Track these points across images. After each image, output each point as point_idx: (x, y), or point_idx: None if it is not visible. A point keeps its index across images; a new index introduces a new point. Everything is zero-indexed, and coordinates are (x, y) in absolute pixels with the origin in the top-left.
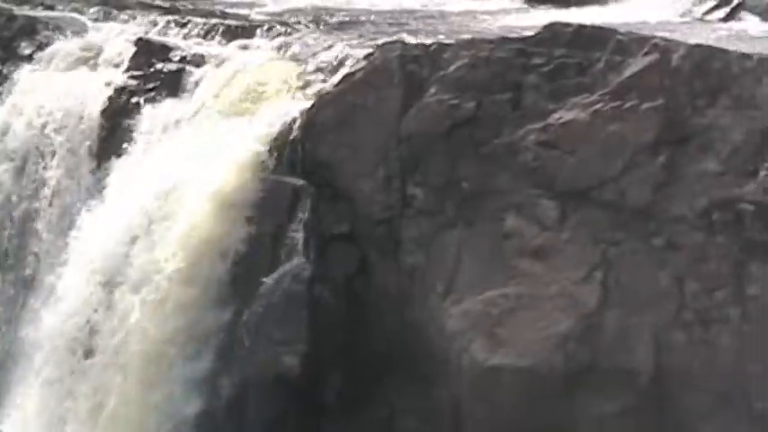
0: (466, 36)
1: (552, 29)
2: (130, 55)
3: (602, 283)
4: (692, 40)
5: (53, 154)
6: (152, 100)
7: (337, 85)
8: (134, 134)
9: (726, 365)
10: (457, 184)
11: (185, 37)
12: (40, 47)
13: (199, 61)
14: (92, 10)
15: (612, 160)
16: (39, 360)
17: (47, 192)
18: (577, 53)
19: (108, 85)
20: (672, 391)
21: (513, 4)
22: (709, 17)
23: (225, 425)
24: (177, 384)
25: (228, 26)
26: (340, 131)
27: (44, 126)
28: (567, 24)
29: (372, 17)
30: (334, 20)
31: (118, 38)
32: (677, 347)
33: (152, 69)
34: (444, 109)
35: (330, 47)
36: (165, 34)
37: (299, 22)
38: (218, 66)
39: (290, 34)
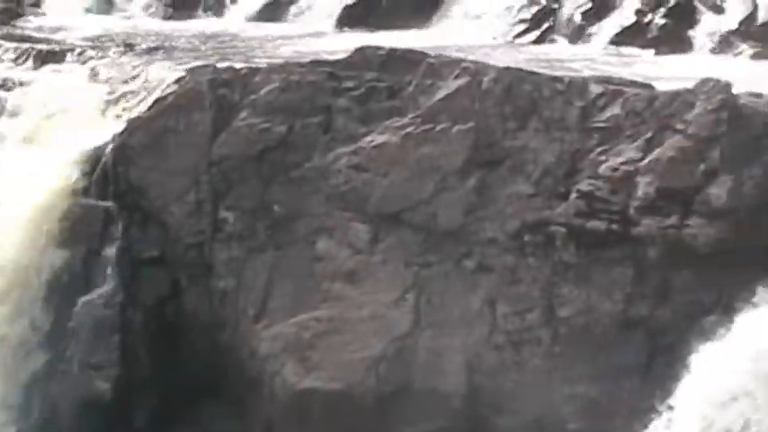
0: (277, 60)
1: (363, 52)
2: None
3: (415, 305)
4: (503, 64)
5: None
6: None
7: (149, 108)
8: None
9: (538, 387)
10: (268, 207)
11: None
12: None
13: (9, 86)
14: None
15: (424, 183)
16: None
17: None
18: (388, 77)
19: None
20: (484, 414)
21: (326, 28)
22: (520, 40)
23: None
24: None
25: (40, 50)
26: (151, 155)
27: None
28: (378, 48)
29: (186, 41)
30: (148, 44)
31: None
32: (489, 369)
33: None
34: (255, 133)
35: (142, 71)
36: None
37: (112, 46)
38: (28, 90)
39: (102, 58)
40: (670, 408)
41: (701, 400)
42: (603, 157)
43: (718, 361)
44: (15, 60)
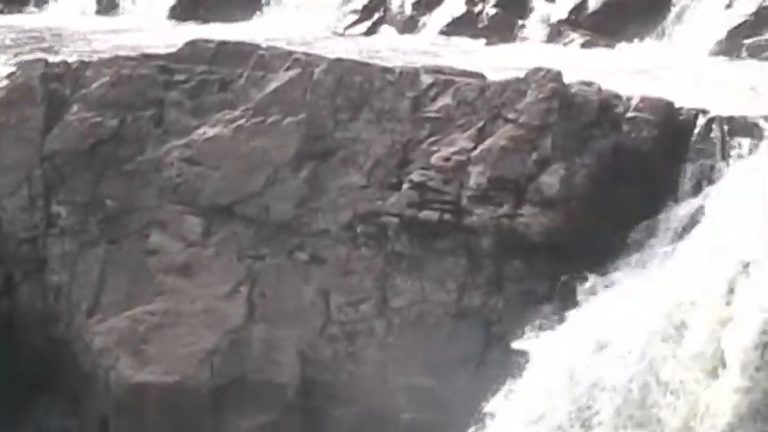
0: (108, 54)
1: (193, 45)
2: None
3: (248, 298)
4: (335, 55)
5: None
6: None
7: None
8: None
9: (372, 378)
10: (101, 201)
11: None
12: None
13: None
14: None
15: (255, 175)
16: None
17: None
18: (219, 69)
19: None
20: (319, 405)
21: (157, 21)
22: (352, 31)
23: None
24: None
25: None
26: None
27: None
28: (209, 41)
29: (16, 36)
30: None
31: None
32: (323, 361)
33: None
34: (87, 127)
35: None
36: None
37: None
38: None
39: None
40: (505, 398)
41: (534, 390)
42: (435, 148)
43: (551, 350)
44: None
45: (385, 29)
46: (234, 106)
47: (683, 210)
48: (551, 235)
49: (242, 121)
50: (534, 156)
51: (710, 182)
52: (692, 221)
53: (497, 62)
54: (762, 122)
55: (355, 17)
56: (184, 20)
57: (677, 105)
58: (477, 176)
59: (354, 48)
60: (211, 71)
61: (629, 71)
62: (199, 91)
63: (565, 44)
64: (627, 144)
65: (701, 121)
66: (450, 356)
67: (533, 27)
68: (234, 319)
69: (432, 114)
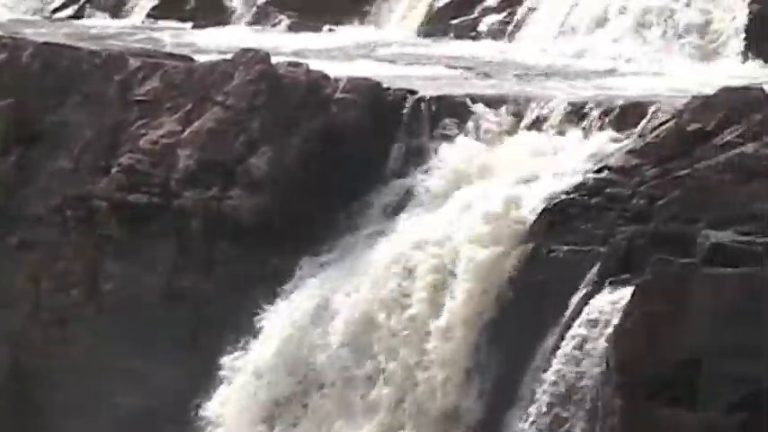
0: None
1: None
2: None
3: None
4: (43, 39)
5: None
6: None
7: None
8: None
9: (83, 362)
10: None
11: None
12: None
13: None
14: None
15: None
16: None
17: None
18: None
19: None
20: (31, 390)
21: None
22: (59, 15)
23: None
24: None
25: None
26: None
27: None
28: None
29: None
30: None
31: None
32: (34, 346)
33: None
34: None
35: None
36: None
37: None
38: None
39: None
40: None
41: (251, 372)
42: (144, 131)
43: (264, 331)
44: None
45: (93, 12)
46: None
47: (391, 190)
48: (261, 217)
49: None
50: (242, 138)
51: (419, 162)
52: (401, 202)
53: (205, 44)
54: (468, 102)
55: (61, 1)
56: None
57: (385, 86)
58: (185, 159)
59: (63, 32)
60: None
61: (336, 53)
62: None
63: (272, 25)
64: (335, 125)
65: (410, 101)
66: (161, 339)
67: (241, 9)
68: None
69: (140, 98)
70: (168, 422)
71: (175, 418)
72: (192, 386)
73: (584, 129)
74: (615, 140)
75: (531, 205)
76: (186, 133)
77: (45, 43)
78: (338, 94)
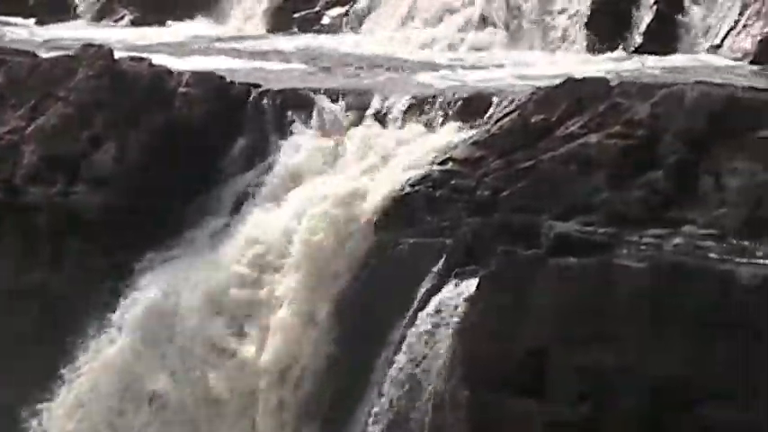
0: None
1: None
2: None
3: None
4: None
5: None
6: None
7: None
8: None
9: None
10: None
11: None
12: None
13: None
14: None
15: None
16: None
17: None
18: None
19: None
20: None
21: None
22: None
23: None
24: None
25: None
26: None
27: None
28: None
29: None
30: None
31: None
32: None
33: None
34: None
35: None
36: None
37: None
38: None
39: None
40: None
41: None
42: None
43: (110, 325)
44: None
45: None
46: None
47: (236, 184)
48: (106, 212)
49: None
50: (86, 133)
51: (263, 156)
52: (245, 196)
53: (49, 40)
54: (311, 95)
55: None
56: None
57: (228, 80)
58: (29, 155)
59: None
60: None
61: (180, 47)
62: None
63: (116, 21)
64: (179, 120)
65: (253, 95)
66: (8, 335)
67: (84, 5)
68: None
69: None
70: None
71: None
72: (38, 382)
73: (428, 120)
74: (460, 132)
75: (376, 198)
76: (30, 129)
77: None
78: (181, 89)
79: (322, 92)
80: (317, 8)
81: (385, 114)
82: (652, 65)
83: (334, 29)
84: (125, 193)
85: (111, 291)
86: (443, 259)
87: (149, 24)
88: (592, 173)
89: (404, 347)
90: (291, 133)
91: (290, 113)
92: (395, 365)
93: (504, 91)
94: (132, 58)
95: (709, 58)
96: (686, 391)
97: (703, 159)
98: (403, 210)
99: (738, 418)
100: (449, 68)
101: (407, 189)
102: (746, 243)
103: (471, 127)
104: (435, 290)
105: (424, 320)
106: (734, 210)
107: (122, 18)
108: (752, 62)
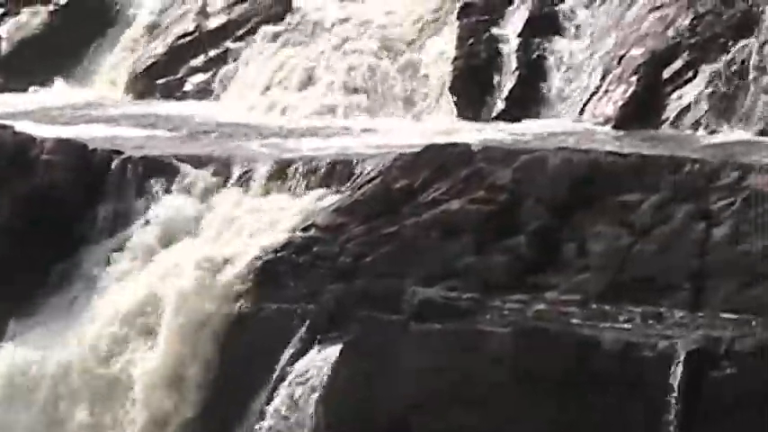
0: None
1: None
2: None
3: None
4: None
5: None
6: None
7: None
8: None
9: None
10: None
11: None
12: None
13: None
14: None
15: None
16: None
17: None
18: None
19: None
20: None
21: None
22: None
23: None
24: None
25: None
26: None
27: None
28: None
29: None
30: None
31: None
32: None
33: None
34: None
35: None
36: None
37: None
38: None
39: None
40: None
41: None
42: None
43: None
44: None
45: None
46: None
47: (98, 250)
48: None
49: None
50: None
51: (126, 223)
52: (107, 262)
53: None
54: (174, 162)
55: None
56: None
57: (91, 147)
58: None
59: None
60: None
61: (43, 114)
62: None
63: None
64: (42, 187)
65: (116, 162)
66: None
67: None
68: None
69: None
70: None
71: None
72: None
73: (291, 187)
74: (323, 198)
75: (239, 265)
76: None
77: None
78: (44, 156)
79: (185, 158)
80: (180, 75)
81: (247, 181)
82: (515, 131)
83: (197, 96)
84: None
85: None
86: (306, 326)
87: (12, 90)
88: (455, 238)
89: (267, 415)
90: (154, 200)
91: (152, 180)
92: None
93: (368, 157)
94: None
95: (571, 123)
96: None
97: (566, 224)
98: (265, 276)
99: None
100: (312, 135)
101: (270, 255)
102: (608, 308)
103: (335, 193)
104: (299, 356)
105: (286, 388)
106: (597, 274)
107: None
108: (614, 127)
